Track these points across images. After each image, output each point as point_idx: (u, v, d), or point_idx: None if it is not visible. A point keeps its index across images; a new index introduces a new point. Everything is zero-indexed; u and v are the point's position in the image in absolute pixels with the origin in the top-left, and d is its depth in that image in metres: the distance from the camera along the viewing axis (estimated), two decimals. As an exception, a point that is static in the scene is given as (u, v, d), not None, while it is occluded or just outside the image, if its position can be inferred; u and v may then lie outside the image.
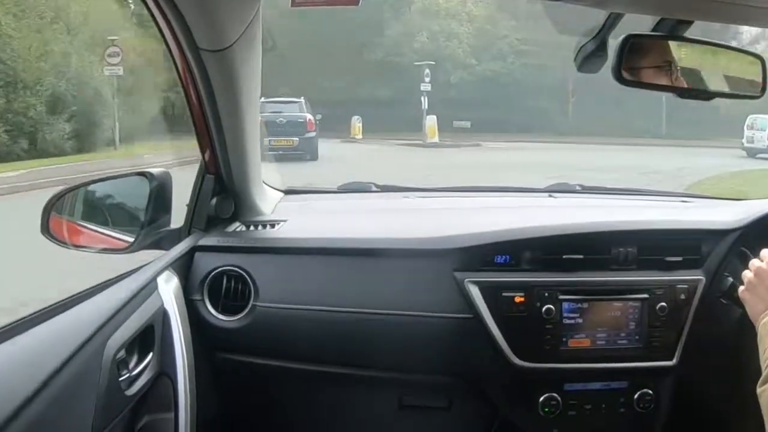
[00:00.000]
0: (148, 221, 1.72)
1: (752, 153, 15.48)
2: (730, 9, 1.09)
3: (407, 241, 1.79)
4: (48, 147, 10.53)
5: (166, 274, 1.59)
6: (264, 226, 1.88)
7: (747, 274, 1.50)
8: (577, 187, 2.40)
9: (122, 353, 1.30)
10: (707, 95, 1.25)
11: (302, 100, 14.51)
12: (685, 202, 2.27)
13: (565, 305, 1.70)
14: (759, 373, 1.33)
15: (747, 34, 14.10)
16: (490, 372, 1.74)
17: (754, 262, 1.50)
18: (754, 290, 1.45)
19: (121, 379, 1.29)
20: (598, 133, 17.62)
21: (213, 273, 1.74)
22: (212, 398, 1.73)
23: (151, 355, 1.44)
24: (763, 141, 15.52)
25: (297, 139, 13.18)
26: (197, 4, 1.35)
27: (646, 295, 1.73)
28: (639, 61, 1.21)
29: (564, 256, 1.74)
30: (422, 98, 16.70)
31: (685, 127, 18.01)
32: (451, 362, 1.75)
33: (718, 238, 1.80)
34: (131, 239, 1.72)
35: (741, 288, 1.50)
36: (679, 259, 1.77)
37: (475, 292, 1.69)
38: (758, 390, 1.25)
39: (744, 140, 15.90)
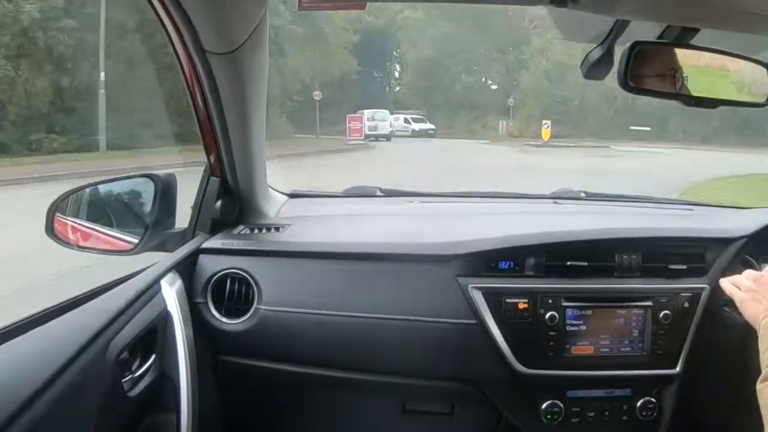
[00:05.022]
0: (153, 223, 1.72)
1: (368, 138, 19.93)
2: (735, 17, 1.09)
3: (411, 246, 1.79)
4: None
5: (170, 276, 1.59)
6: (268, 230, 1.88)
7: (743, 282, 1.49)
8: (582, 194, 2.40)
9: (125, 354, 1.30)
10: (712, 103, 1.25)
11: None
12: (689, 209, 2.26)
13: (569, 312, 1.70)
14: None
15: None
16: (492, 378, 1.73)
17: (750, 272, 1.51)
18: (753, 294, 1.45)
19: (123, 380, 1.30)
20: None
21: (217, 276, 1.74)
22: (214, 401, 1.73)
23: (153, 357, 1.44)
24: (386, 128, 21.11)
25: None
26: (204, 6, 1.36)
27: (649, 303, 1.72)
28: (645, 69, 1.21)
29: (568, 263, 1.73)
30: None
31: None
32: (453, 368, 1.74)
33: (723, 246, 1.79)
34: (136, 241, 1.72)
35: (738, 294, 1.48)
36: (684, 267, 1.76)
37: (478, 298, 1.69)
38: (758, 387, 1.24)
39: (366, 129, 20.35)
